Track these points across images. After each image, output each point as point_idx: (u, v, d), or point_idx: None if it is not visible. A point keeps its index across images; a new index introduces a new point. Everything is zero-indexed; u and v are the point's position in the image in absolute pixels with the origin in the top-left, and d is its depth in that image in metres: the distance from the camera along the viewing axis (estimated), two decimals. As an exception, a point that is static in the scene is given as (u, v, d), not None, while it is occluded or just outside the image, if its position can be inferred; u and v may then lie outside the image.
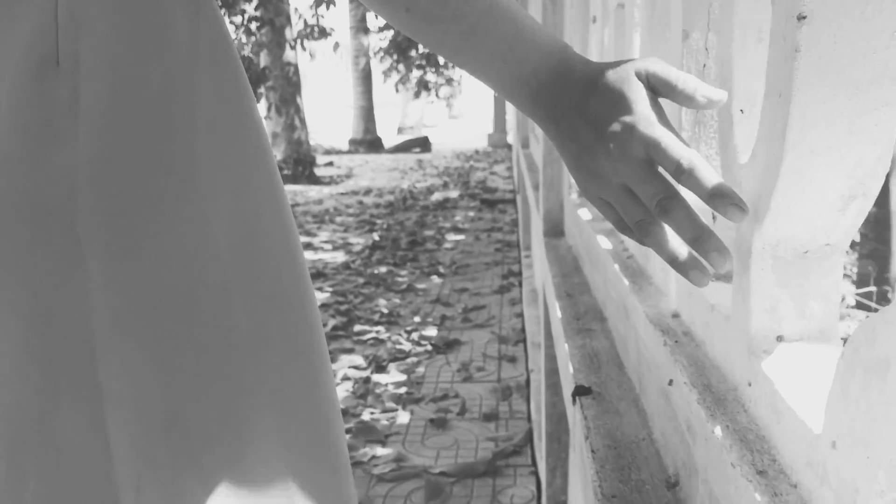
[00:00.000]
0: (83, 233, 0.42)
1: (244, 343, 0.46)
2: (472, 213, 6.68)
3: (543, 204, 1.73)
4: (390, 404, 2.59)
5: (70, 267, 0.42)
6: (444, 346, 3.15)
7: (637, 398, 0.80)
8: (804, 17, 0.41)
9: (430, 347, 3.15)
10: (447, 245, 5.32)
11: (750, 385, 0.51)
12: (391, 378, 2.84)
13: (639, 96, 0.48)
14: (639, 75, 0.49)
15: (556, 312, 1.15)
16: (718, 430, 0.50)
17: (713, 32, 0.70)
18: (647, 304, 0.79)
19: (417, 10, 0.51)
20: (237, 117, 0.50)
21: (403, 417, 2.49)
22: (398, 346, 3.17)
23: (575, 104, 0.50)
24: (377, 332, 3.38)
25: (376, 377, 2.85)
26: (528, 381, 2.76)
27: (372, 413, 2.53)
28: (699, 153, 0.72)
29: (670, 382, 0.64)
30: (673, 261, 0.48)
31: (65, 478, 0.43)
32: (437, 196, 7.78)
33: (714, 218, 0.69)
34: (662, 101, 0.49)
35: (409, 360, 3.01)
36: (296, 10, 8.71)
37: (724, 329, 0.58)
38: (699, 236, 0.45)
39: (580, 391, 0.83)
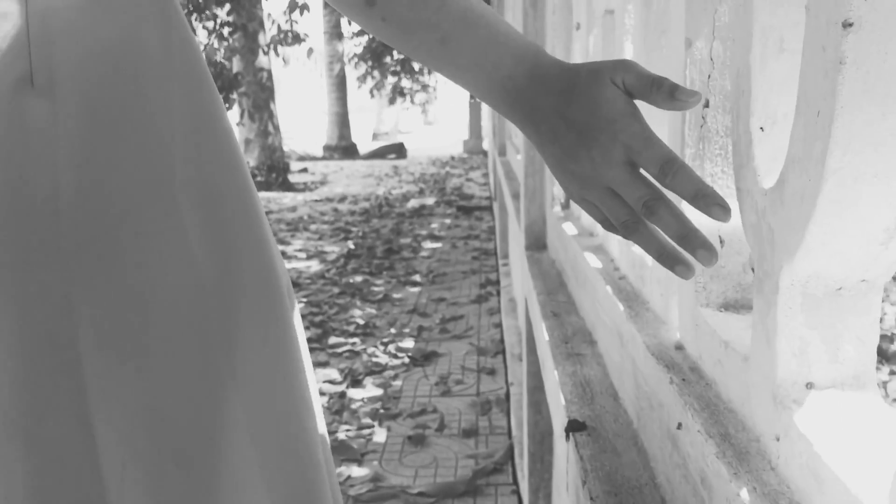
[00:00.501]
0: (67, 249, 0.42)
1: (218, 343, 0.47)
2: (448, 221, 6.61)
3: (525, 216, 1.67)
4: (366, 420, 2.52)
5: (55, 280, 0.42)
6: (422, 359, 3.08)
7: (636, 435, 0.74)
8: (850, 25, 0.35)
9: (407, 360, 3.07)
10: (424, 253, 5.26)
11: (778, 440, 0.45)
12: (367, 393, 2.76)
13: (616, 101, 0.49)
14: (613, 80, 0.49)
15: (543, 334, 1.09)
16: (745, 494, 0.44)
17: (719, 41, 0.65)
18: (646, 332, 0.73)
19: (393, 20, 0.52)
20: (210, 127, 0.50)
21: (380, 435, 2.42)
22: (374, 359, 3.09)
23: (554, 108, 0.51)
24: (353, 344, 3.30)
25: (352, 392, 2.78)
26: (507, 395, 2.70)
27: (347, 430, 2.45)
28: (705, 171, 0.67)
29: (679, 426, 0.58)
30: (659, 255, 0.49)
31: (53, 475, 0.44)
32: (413, 203, 7.71)
33: (721, 243, 0.63)
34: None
35: (385, 374, 2.94)
36: (269, 15, 8.59)
37: (741, 370, 0.53)
38: (685, 234, 0.46)
39: (574, 426, 0.77)
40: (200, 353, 0.47)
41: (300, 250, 5.42)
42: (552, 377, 0.94)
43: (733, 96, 0.53)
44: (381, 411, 2.59)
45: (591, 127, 0.49)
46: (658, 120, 0.84)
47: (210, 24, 7.83)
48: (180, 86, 0.48)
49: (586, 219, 1.31)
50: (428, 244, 5.59)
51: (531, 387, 1.75)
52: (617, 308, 0.84)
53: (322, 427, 0.57)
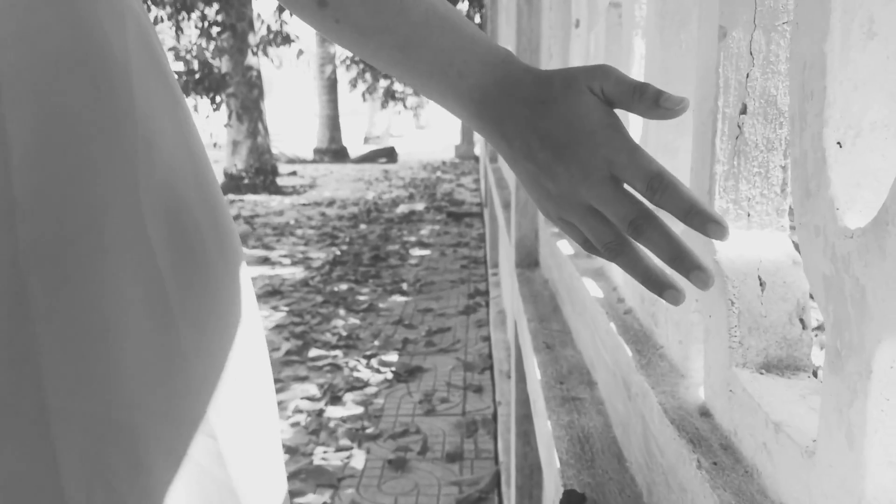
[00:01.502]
0: (25, 264, 0.40)
1: (185, 353, 0.45)
2: (437, 227, 6.48)
3: (516, 230, 1.54)
4: (344, 441, 2.37)
5: (13, 296, 0.40)
6: (406, 374, 2.94)
7: (647, 513, 0.61)
8: None
9: (390, 375, 2.93)
10: (411, 261, 5.12)
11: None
12: (347, 411, 2.62)
13: (594, 111, 0.45)
14: (591, 87, 0.46)
15: (534, 370, 0.95)
16: None
17: (761, 30, 0.51)
18: (661, 388, 0.60)
19: (348, 22, 0.49)
20: (175, 131, 0.47)
21: (359, 458, 2.28)
22: (356, 374, 2.95)
23: (527, 121, 0.47)
24: (334, 356, 3.16)
25: (330, 409, 2.63)
26: (495, 415, 2.56)
27: (324, 452, 2.31)
28: (740, 194, 0.53)
29: (712, 529, 0.44)
30: (646, 279, 0.46)
31: (9, 501, 0.42)
32: (402, 208, 7.57)
33: (762, 285, 0.50)
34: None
35: (367, 390, 2.80)
36: (258, 15, 8.44)
37: (801, 467, 0.39)
38: (677, 255, 0.44)
39: (572, 498, 0.63)
40: (167, 368, 0.45)
41: (285, 256, 5.28)
42: (545, 428, 0.81)
43: (795, 100, 0.40)
44: (361, 431, 2.44)
45: (569, 140, 0.45)
46: (680, 130, 0.71)
47: (198, 24, 7.67)
48: (140, 87, 0.45)
49: (584, 237, 1.18)
50: (416, 251, 5.45)
51: (520, 415, 1.61)
52: (623, 351, 0.71)
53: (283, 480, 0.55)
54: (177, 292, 0.46)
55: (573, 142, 0.45)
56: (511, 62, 0.49)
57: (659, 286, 0.45)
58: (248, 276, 0.53)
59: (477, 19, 11.49)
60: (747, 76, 0.52)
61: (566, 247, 1.19)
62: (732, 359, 0.50)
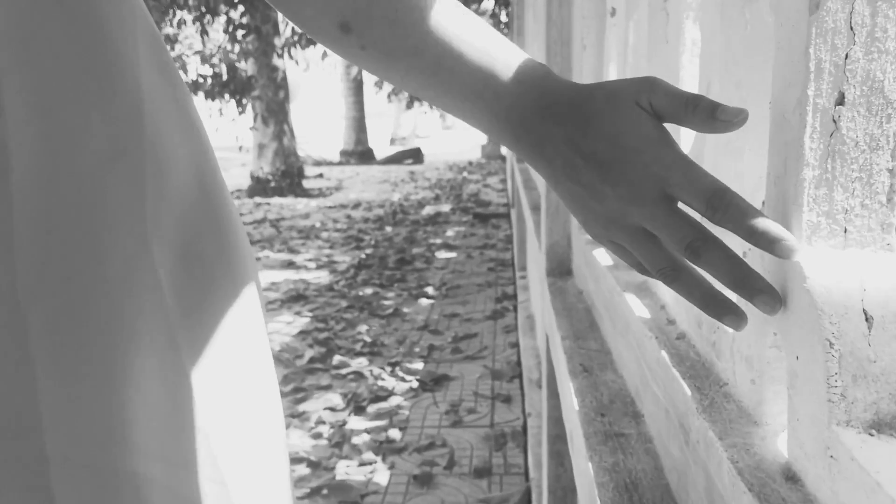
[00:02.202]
0: (24, 297, 0.38)
1: (192, 395, 0.43)
2: (463, 229, 6.38)
3: (546, 236, 1.43)
4: (368, 455, 2.28)
5: (11, 332, 0.38)
6: (432, 383, 2.84)
7: (714, 590, 0.50)
8: None
9: (415, 384, 2.84)
10: (437, 264, 5.02)
11: None
12: (370, 422, 2.53)
13: (642, 126, 0.43)
14: (638, 101, 0.43)
15: (571, 398, 0.85)
16: None
17: (864, 1, 0.41)
18: (730, 439, 0.50)
19: (374, 48, 0.47)
20: (187, 154, 0.45)
21: (383, 472, 2.19)
22: (380, 383, 2.86)
23: (568, 139, 0.45)
24: (358, 364, 3.07)
25: (354, 421, 2.55)
26: (524, 427, 2.46)
27: (347, 466, 2.22)
28: (835, 205, 0.43)
29: None
30: (705, 305, 0.43)
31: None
32: (428, 210, 7.49)
33: (869, 322, 0.40)
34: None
35: (391, 400, 2.71)
36: (283, 17, 8.42)
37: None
38: (741, 279, 0.41)
39: (620, 568, 0.53)
40: (172, 386, 0.43)
41: (310, 260, 5.22)
42: (585, 471, 0.70)
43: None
44: (385, 444, 2.36)
45: (616, 158, 0.43)
46: (751, 123, 0.60)
47: (224, 27, 7.67)
48: (151, 111, 0.43)
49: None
50: (442, 254, 5.36)
51: (552, 435, 1.51)
52: (678, 387, 0.60)
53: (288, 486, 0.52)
54: (184, 329, 0.43)
55: (621, 160, 0.42)
56: (549, 78, 0.47)
57: (719, 310, 0.42)
58: (260, 305, 0.51)
59: (503, 17, 11.37)
60: (846, 57, 0.41)
61: (604, 256, 1.08)
62: (832, 415, 0.40)
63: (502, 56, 0.47)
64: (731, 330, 0.58)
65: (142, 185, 0.41)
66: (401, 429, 2.47)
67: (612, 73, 1.17)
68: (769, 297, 0.41)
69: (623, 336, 0.89)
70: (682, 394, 0.59)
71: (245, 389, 0.47)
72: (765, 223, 0.39)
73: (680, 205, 0.43)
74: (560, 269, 1.43)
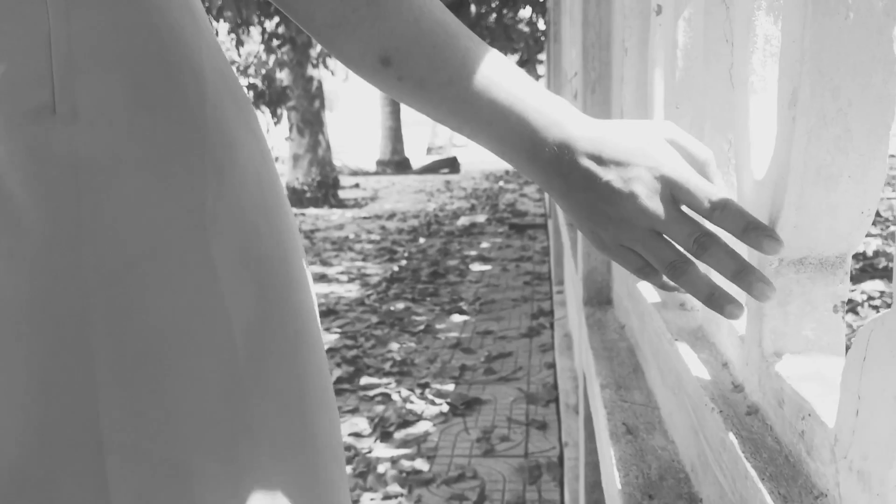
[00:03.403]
0: (88, 287, 0.40)
1: (247, 388, 0.44)
2: (499, 240, 6.24)
3: (583, 262, 1.29)
4: (394, 487, 2.15)
5: (75, 320, 0.40)
6: (463, 407, 2.70)
7: None
8: None
9: (445, 408, 2.70)
10: (471, 277, 4.89)
11: None
12: (397, 450, 2.40)
13: (653, 131, 0.50)
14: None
15: (612, 472, 0.71)
16: None
17: None
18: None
19: (411, 79, 0.49)
20: (247, 155, 0.47)
21: (409, 507, 2.05)
22: (409, 406, 2.73)
23: (585, 154, 0.49)
24: (386, 385, 2.95)
25: (379, 448, 2.42)
26: (561, 458, 2.30)
27: (371, 500, 2.09)
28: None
29: None
30: (710, 298, 0.48)
31: None
32: (463, 221, 7.36)
33: None
34: None
35: (420, 425, 2.57)
36: (318, 27, 8.38)
37: None
38: (741, 269, 0.46)
39: None
40: (228, 402, 0.44)
41: (342, 273, 5.13)
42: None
43: None
44: (412, 475, 2.22)
45: (631, 164, 0.48)
46: (841, 147, 0.46)
47: (260, 37, 7.67)
48: (214, 111, 0.45)
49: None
50: (476, 266, 5.22)
51: (589, 482, 1.36)
52: (752, 488, 0.46)
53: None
54: (240, 324, 0.44)
55: (634, 165, 0.47)
56: (568, 105, 0.51)
57: (722, 301, 0.47)
58: (315, 306, 0.52)
59: (541, 24, 11.22)
60: None
61: (649, 291, 0.94)
62: None
63: (526, 84, 0.51)
64: (825, 419, 0.43)
65: (203, 184, 0.43)
66: (429, 458, 2.33)
67: (657, 80, 1.03)
68: (765, 285, 0.46)
69: (674, 393, 0.74)
70: (760, 497, 0.45)
71: (298, 387, 0.48)
72: (756, 222, 0.46)
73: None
74: (599, 298, 1.28)
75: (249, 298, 0.45)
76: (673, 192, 0.47)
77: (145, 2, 0.43)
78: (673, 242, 0.48)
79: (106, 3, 0.42)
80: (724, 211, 0.46)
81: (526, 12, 11.50)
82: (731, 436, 0.52)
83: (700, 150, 0.51)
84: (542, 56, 11.71)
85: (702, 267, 0.50)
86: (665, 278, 0.51)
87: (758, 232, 0.45)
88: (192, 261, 0.43)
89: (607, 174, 0.48)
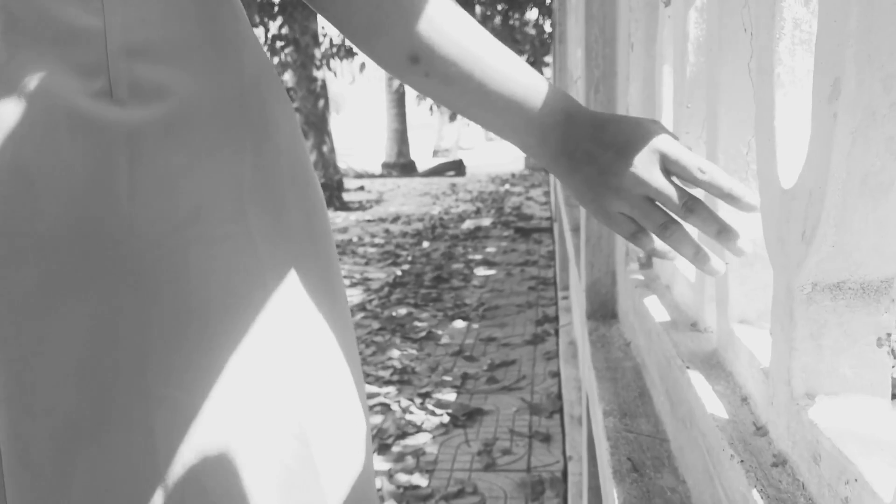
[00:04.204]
0: (138, 248, 0.44)
1: (288, 353, 0.48)
2: (504, 244, 6.15)
3: (587, 273, 1.20)
4: (390, 503, 2.07)
5: (126, 278, 0.43)
6: (464, 418, 2.62)
7: None
8: None
9: (446, 419, 2.62)
10: (475, 282, 4.80)
11: None
12: (395, 463, 2.32)
13: (655, 127, 0.55)
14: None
15: (615, 517, 0.62)
16: None
17: None
18: None
19: (436, 74, 0.54)
20: (281, 133, 0.52)
21: (405, 525, 1.97)
22: (408, 416, 2.65)
23: (589, 136, 0.56)
24: (386, 394, 2.87)
25: (377, 461, 2.34)
26: (565, 472, 2.21)
27: (366, 516, 2.01)
28: None
29: None
30: (696, 255, 0.54)
31: (111, 479, 0.45)
32: (468, 224, 7.27)
33: None
34: None
35: (419, 437, 2.49)
36: (322, 28, 8.33)
37: None
38: (723, 228, 0.52)
39: None
40: (270, 365, 0.47)
41: (344, 277, 5.02)
42: None
43: None
44: (410, 491, 2.14)
45: (629, 142, 0.54)
46: (893, 150, 0.37)
47: (264, 39, 7.60)
48: (253, 91, 0.50)
49: (682, 295, 0.84)
50: (481, 271, 5.13)
51: (593, 501, 1.27)
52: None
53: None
54: (276, 287, 0.48)
55: (634, 141, 0.54)
56: (572, 98, 0.58)
57: (704, 258, 0.54)
58: (342, 282, 0.57)
59: (547, 27, 11.13)
60: None
61: (657, 306, 0.85)
62: None
63: (537, 76, 0.57)
64: (878, 490, 0.35)
65: (242, 158, 0.47)
66: (427, 472, 2.25)
67: (666, 76, 0.94)
68: (742, 242, 0.52)
69: (686, 427, 0.66)
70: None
71: (332, 357, 0.52)
72: (734, 190, 0.51)
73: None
74: (603, 311, 1.20)
75: (283, 265, 0.49)
76: (665, 165, 0.53)
77: (194, 1, 0.48)
78: (663, 208, 0.54)
79: None
80: (710, 175, 0.52)
81: (532, 14, 11.43)
82: (755, 493, 0.43)
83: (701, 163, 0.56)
84: (548, 59, 11.62)
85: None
86: (655, 243, 0.56)
87: (738, 192, 0.51)
88: (232, 228, 0.46)
89: (608, 151, 0.54)
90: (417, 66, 0.54)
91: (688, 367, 0.64)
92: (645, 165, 0.53)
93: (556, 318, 3.73)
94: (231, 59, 0.49)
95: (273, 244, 0.48)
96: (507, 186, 10.89)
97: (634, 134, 0.54)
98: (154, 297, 0.44)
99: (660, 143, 0.53)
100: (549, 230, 6.49)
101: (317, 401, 0.50)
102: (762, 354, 0.56)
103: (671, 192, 0.53)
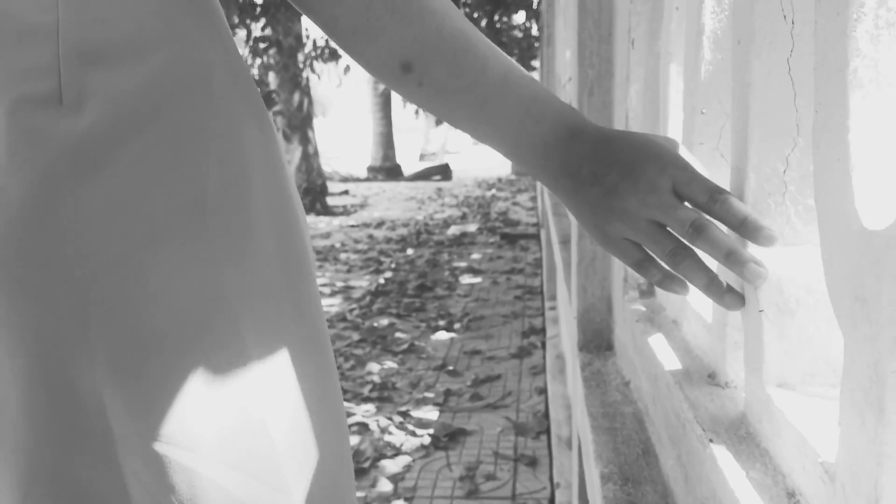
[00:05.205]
0: (85, 275, 0.40)
1: (255, 375, 0.44)
2: (490, 251, 6.02)
3: (579, 297, 1.07)
4: (365, 536, 1.93)
5: (72, 309, 0.40)
6: (446, 439, 2.48)
7: None
8: None
9: (427, 440, 2.48)
10: (460, 291, 4.66)
11: None
12: (371, 489, 2.17)
13: (657, 138, 0.53)
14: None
15: None
16: None
17: None
18: None
19: (430, 85, 0.51)
20: (252, 150, 0.47)
21: (380, 561, 1.83)
22: (387, 437, 2.51)
23: (592, 153, 0.52)
24: (364, 413, 2.72)
25: (353, 486, 2.19)
26: (552, 501, 2.08)
27: (339, 551, 1.87)
28: None
29: None
30: (709, 285, 0.50)
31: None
32: (453, 230, 7.14)
33: None
34: None
35: (398, 460, 2.35)
36: (306, 29, 8.17)
37: None
38: (733, 249, 0.48)
39: None
40: (236, 392, 0.43)
41: (325, 285, 4.90)
42: None
43: None
44: (387, 520, 2.00)
45: (636, 161, 0.50)
46: None
47: (246, 41, 7.45)
48: (221, 102, 0.45)
49: (695, 336, 0.71)
50: (466, 279, 5.00)
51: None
52: None
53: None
54: (244, 313, 0.44)
55: (640, 161, 0.50)
56: (578, 112, 0.54)
57: (721, 289, 0.50)
58: (321, 311, 0.52)
59: (535, 30, 11.04)
60: None
61: (663, 346, 0.72)
62: None
63: (541, 89, 0.53)
64: None
65: (205, 173, 0.43)
66: (406, 499, 2.11)
67: (674, 76, 0.81)
68: (757, 265, 0.48)
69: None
70: None
71: (304, 387, 0.47)
72: (752, 216, 0.48)
73: None
74: (597, 341, 1.06)
75: (251, 291, 0.45)
76: (675, 188, 0.49)
77: None
78: (673, 233, 0.50)
79: None
80: (723, 204, 0.48)
81: (519, 17, 11.34)
82: None
83: (697, 165, 0.52)
84: (535, 63, 11.52)
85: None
86: (661, 276, 0.52)
87: (752, 224, 0.48)
88: (193, 250, 0.42)
89: (613, 170, 0.51)
90: (410, 75, 0.51)
91: (711, 441, 0.51)
92: (652, 187, 0.50)
93: (543, 330, 3.60)
94: (197, 63, 0.44)
95: (240, 268, 0.44)
96: (493, 191, 10.78)
97: (642, 153, 0.51)
98: (106, 328, 0.40)
99: (670, 163, 0.50)
100: (536, 236, 6.38)
101: (288, 431, 0.46)
102: (816, 436, 0.42)
103: (677, 212, 0.49)
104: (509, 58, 0.53)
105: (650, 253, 0.52)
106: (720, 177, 0.72)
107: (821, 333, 0.50)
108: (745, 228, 0.48)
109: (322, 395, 0.49)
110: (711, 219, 0.50)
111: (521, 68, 0.53)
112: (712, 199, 0.48)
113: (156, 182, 0.42)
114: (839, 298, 0.37)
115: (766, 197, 0.53)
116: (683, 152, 0.53)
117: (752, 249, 0.52)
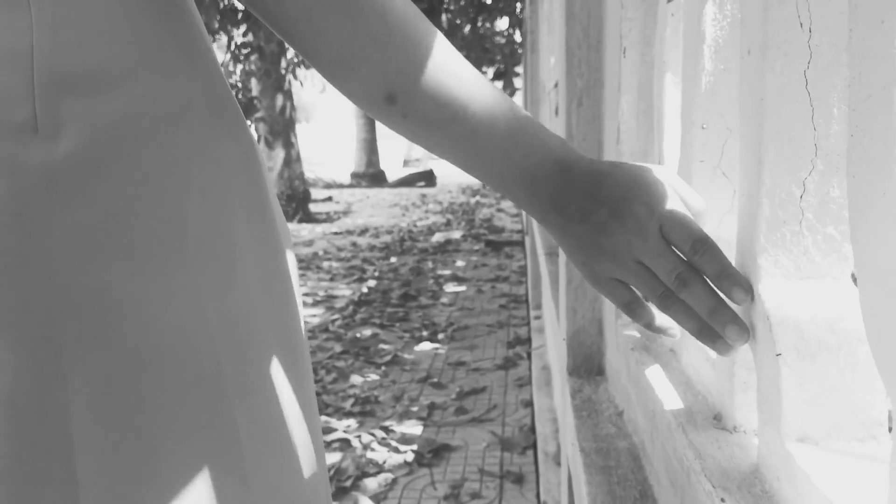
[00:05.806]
0: (59, 308, 0.38)
1: (236, 423, 0.43)
2: (475, 258, 5.97)
3: (568, 319, 1.01)
4: (346, 560, 1.86)
5: (44, 342, 0.38)
6: (430, 455, 2.41)
7: None
8: None
9: (410, 456, 2.41)
10: (444, 300, 4.60)
11: None
12: (353, 510, 2.10)
13: (649, 172, 0.50)
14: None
15: None
16: None
17: None
18: None
19: (416, 116, 0.50)
20: (234, 177, 0.46)
21: (362, 587, 1.76)
22: (369, 454, 2.44)
23: (583, 189, 0.50)
24: (346, 428, 2.65)
25: (334, 508, 2.12)
26: (539, 520, 2.02)
27: (318, 577, 1.80)
28: None
29: None
30: (699, 330, 0.49)
31: None
32: (437, 237, 7.08)
33: None
34: None
35: (381, 478, 2.28)
36: (288, 35, 8.07)
37: None
38: (716, 307, 0.48)
39: None
40: (216, 437, 0.42)
41: (307, 294, 4.82)
42: None
43: None
44: (369, 543, 1.93)
45: (625, 199, 0.49)
46: None
47: (228, 47, 7.36)
48: (200, 127, 0.44)
49: (696, 372, 0.65)
50: (450, 287, 4.94)
51: None
52: None
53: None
54: (224, 347, 0.43)
55: (629, 198, 0.49)
56: (568, 145, 0.52)
57: (712, 335, 0.48)
58: (303, 333, 0.51)
59: (517, 37, 11.03)
60: None
61: (663, 385, 0.66)
62: None
63: (530, 121, 0.51)
64: None
65: (185, 201, 0.42)
66: (389, 520, 2.04)
67: (669, 87, 0.76)
68: (738, 327, 0.47)
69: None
70: None
71: (288, 417, 0.46)
72: (731, 269, 0.47)
73: None
74: (587, 366, 1.00)
75: (235, 322, 0.43)
76: (663, 230, 0.48)
77: (135, 19, 0.42)
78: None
79: (94, 18, 0.40)
80: (704, 255, 0.47)
81: (503, 23, 11.32)
82: None
83: (695, 199, 0.52)
84: (519, 69, 11.50)
85: None
86: (650, 319, 0.52)
87: (730, 279, 0.47)
88: (175, 282, 0.41)
89: (602, 208, 0.50)
90: (394, 107, 0.49)
91: (723, 501, 0.45)
92: (640, 229, 0.48)
93: (529, 340, 3.55)
94: (176, 92, 0.43)
95: (223, 299, 0.43)
96: (477, 197, 10.74)
97: (632, 191, 0.49)
98: (79, 365, 0.38)
99: (660, 202, 0.49)
100: (521, 243, 6.33)
101: (262, 466, 0.44)
102: (845, 502, 0.37)
103: (663, 260, 0.48)
104: (497, 88, 0.52)
105: (640, 293, 0.51)
106: (722, 197, 0.66)
107: (845, 380, 0.45)
108: (721, 282, 0.47)
109: (299, 420, 0.48)
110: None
111: (510, 99, 0.52)
112: (693, 248, 0.47)
113: (135, 213, 0.40)
114: (884, 352, 0.32)
115: (782, 225, 0.48)
116: (678, 185, 0.51)
117: (763, 288, 0.46)
